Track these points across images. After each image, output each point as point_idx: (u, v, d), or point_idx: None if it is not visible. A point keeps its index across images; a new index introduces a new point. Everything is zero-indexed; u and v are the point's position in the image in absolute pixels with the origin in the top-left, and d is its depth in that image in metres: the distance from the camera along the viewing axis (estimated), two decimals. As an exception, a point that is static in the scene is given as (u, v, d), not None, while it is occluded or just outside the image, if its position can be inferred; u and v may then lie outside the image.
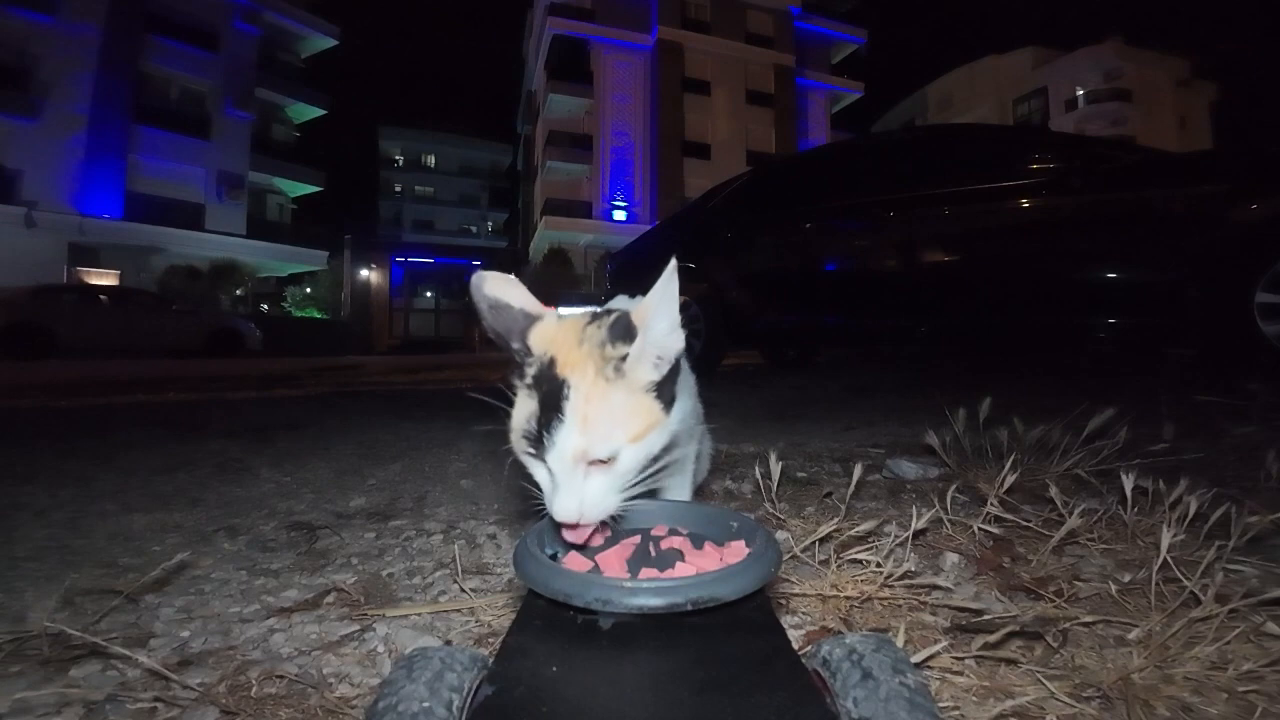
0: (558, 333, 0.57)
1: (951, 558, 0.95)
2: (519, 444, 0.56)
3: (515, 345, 0.58)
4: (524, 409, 0.55)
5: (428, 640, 0.78)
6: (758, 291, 3.98)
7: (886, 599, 0.81)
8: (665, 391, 0.56)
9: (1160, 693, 0.61)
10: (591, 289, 22.55)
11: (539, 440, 0.53)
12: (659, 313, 0.52)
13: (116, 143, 18.36)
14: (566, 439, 0.52)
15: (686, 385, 0.66)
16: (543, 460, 0.54)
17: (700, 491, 1.14)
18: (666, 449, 0.59)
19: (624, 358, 0.53)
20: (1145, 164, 2.95)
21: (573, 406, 0.52)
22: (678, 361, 0.57)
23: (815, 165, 4.49)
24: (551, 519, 0.55)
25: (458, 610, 0.85)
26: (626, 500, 0.55)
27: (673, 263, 0.51)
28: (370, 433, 2.36)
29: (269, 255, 21.96)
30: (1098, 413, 1.31)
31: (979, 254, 3.24)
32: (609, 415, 0.52)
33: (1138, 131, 27.34)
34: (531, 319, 0.58)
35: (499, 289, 0.58)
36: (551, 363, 0.54)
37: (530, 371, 0.56)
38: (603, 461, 0.52)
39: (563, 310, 0.61)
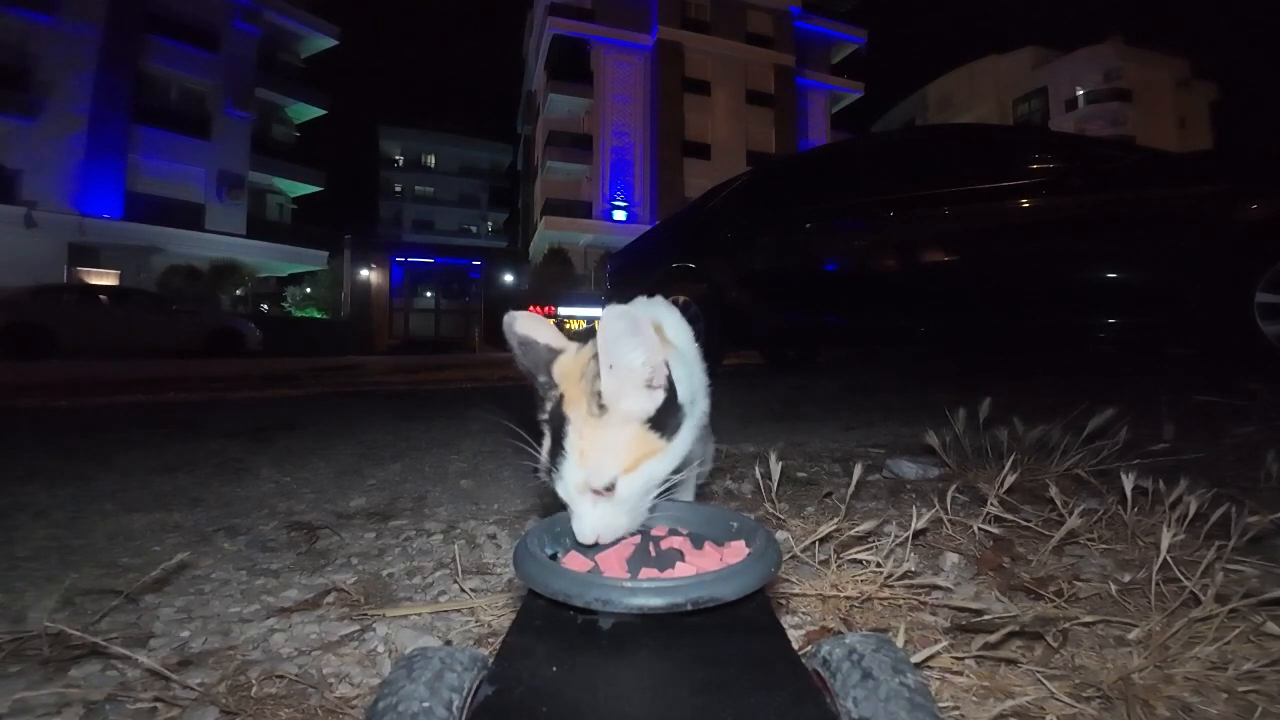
0: (570, 366, 0.59)
1: (951, 558, 0.95)
2: (544, 475, 0.59)
3: (541, 379, 0.61)
4: (546, 442, 0.59)
5: (428, 640, 0.78)
6: (758, 291, 3.98)
7: (886, 599, 0.81)
8: (665, 419, 0.57)
9: (1160, 693, 0.61)
10: (591, 289, 22.54)
11: (551, 472, 0.57)
12: (613, 351, 0.54)
13: (116, 143, 18.36)
14: (569, 472, 0.56)
15: (700, 387, 0.68)
16: (558, 492, 0.58)
17: (700, 491, 1.14)
18: (678, 468, 0.61)
19: (600, 394, 0.55)
20: (1145, 164, 2.95)
21: (571, 441, 0.56)
22: (673, 390, 0.58)
23: (815, 165, 4.49)
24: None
25: (458, 610, 0.85)
26: (642, 517, 0.58)
27: (614, 308, 0.53)
28: (370, 433, 2.36)
29: (269, 255, 21.96)
30: (1098, 413, 1.31)
31: (979, 254, 3.24)
32: (600, 449, 0.55)
33: (1138, 131, 27.38)
34: (555, 353, 0.61)
35: (527, 328, 0.62)
36: (561, 398, 0.58)
37: (548, 406, 0.59)
38: (607, 491, 0.55)
39: (565, 309, 0.62)
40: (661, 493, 0.60)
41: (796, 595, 0.84)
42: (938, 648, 0.65)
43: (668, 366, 0.57)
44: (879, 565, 0.84)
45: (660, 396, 0.57)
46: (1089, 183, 2.92)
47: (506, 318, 0.63)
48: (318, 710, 0.63)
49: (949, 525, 1.03)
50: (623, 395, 0.55)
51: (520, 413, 0.63)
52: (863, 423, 2.26)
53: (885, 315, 3.59)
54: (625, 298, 0.69)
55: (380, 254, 26.58)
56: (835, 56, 31.34)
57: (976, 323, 3.32)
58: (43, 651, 0.73)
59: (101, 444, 2.15)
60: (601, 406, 0.56)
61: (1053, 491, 0.98)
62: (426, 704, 0.39)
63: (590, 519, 0.56)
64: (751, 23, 27.84)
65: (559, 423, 0.57)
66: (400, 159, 40.71)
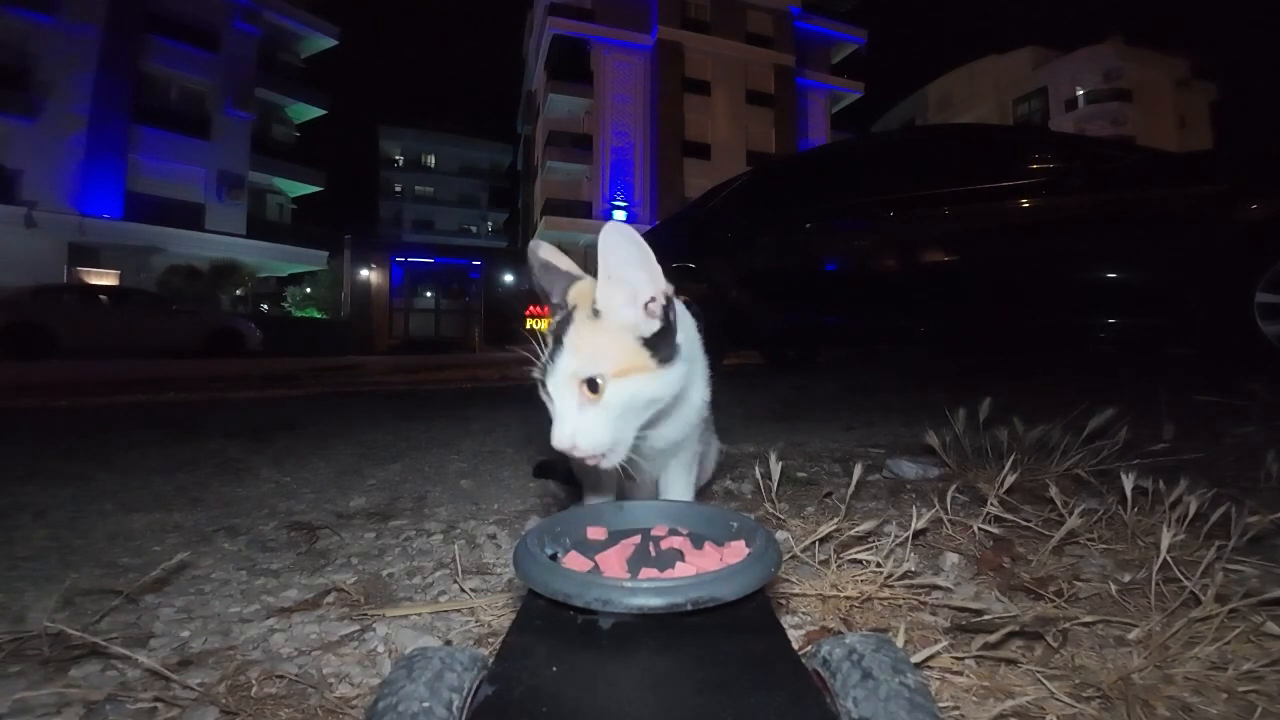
0: (584, 288, 0.66)
1: (951, 558, 0.95)
2: (539, 380, 0.63)
3: (555, 300, 0.67)
4: (548, 346, 0.64)
5: (428, 640, 0.78)
6: (758, 291, 3.98)
7: (886, 599, 0.81)
8: (658, 345, 0.62)
9: (1160, 693, 0.61)
10: (591, 289, 22.48)
11: (546, 370, 0.62)
12: (610, 260, 0.59)
13: (116, 143, 18.35)
14: (563, 361, 0.60)
15: (700, 371, 0.74)
16: (548, 390, 0.61)
17: (700, 492, 1.14)
18: (665, 407, 0.66)
19: (596, 299, 0.62)
20: (1145, 164, 2.95)
21: (569, 338, 0.61)
22: (670, 323, 0.63)
23: (815, 165, 4.49)
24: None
25: (458, 610, 0.85)
26: (622, 448, 0.62)
27: (608, 225, 0.59)
28: (370, 432, 2.36)
29: (269, 255, 21.94)
30: (1098, 413, 1.31)
31: (979, 254, 3.24)
32: (595, 346, 0.61)
33: (1138, 131, 27.34)
34: (573, 279, 0.69)
35: (551, 254, 0.71)
36: (571, 310, 0.64)
37: (557, 320, 0.65)
38: (593, 391, 0.59)
39: None
40: (643, 425, 0.64)
41: (796, 595, 0.84)
42: (938, 648, 0.65)
43: (668, 299, 0.62)
44: (879, 565, 0.84)
45: (655, 324, 0.62)
46: (1089, 183, 2.92)
47: (531, 244, 0.71)
48: (318, 710, 0.63)
49: (949, 525, 1.03)
50: (618, 305, 0.61)
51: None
52: (863, 423, 2.26)
53: (885, 315, 3.59)
54: None
55: (380, 254, 26.56)
56: (835, 56, 31.31)
57: (977, 323, 3.32)
58: (43, 651, 0.73)
59: (101, 444, 2.15)
60: (597, 311, 0.61)
61: (1053, 491, 0.98)
62: (426, 704, 0.39)
63: (571, 421, 0.59)
64: (751, 23, 27.82)
65: (563, 327, 0.62)
66: (400, 159, 40.69)
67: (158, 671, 0.66)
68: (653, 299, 0.61)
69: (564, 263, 0.69)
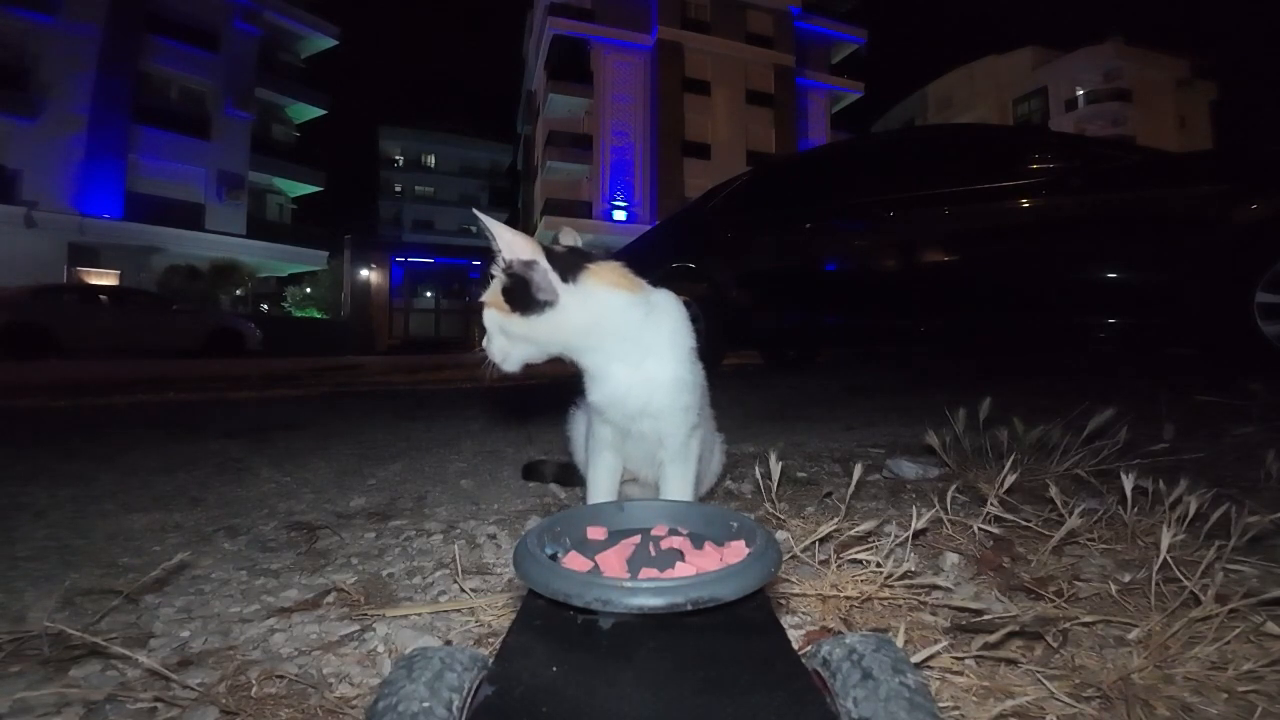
0: None
1: (951, 558, 0.95)
2: None
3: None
4: None
5: (428, 640, 0.78)
6: (758, 291, 3.98)
7: (886, 599, 0.81)
8: (511, 294, 0.79)
9: (1160, 693, 0.61)
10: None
11: None
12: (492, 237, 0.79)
13: (116, 143, 18.36)
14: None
15: (663, 352, 0.87)
16: None
17: (701, 492, 1.14)
18: (543, 344, 0.84)
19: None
20: (1145, 164, 2.95)
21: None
22: (524, 282, 0.78)
23: (815, 165, 4.49)
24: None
25: (458, 610, 0.85)
26: (509, 360, 0.85)
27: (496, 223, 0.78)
28: (370, 432, 2.36)
29: (269, 255, 21.96)
30: (1098, 413, 1.31)
31: (979, 254, 3.24)
32: (490, 285, 0.83)
33: (1138, 131, 27.36)
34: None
35: (487, 223, 0.83)
36: None
37: None
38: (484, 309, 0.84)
39: None
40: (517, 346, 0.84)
41: (796, 595, 0.84)
42: (938, 648, 0.65)
43: (523, 265, 0.78)
44: (879, 565, 0.84)
45: (504, 280, 0.79)
46: (1089, 183, 2.92)
47: (476, 213, 0.88)
48: (318, 710, 0.63)
49: (949, 525, 1.03)
50: (498, 264, 0.81)
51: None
52: (863, 423, 2.26)
53: (885, 315, 3.59)
54: None
55: (380, 254, 26.58)
56: (835, 56, 31.32)
57: (976, 323, 3.32)
58: (43, 651, 0.73)
59: (102, 444, 2.15)
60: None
61: (1053, 491, 0.98)
62: (426, 704, 0.39)
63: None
64: (751, 23, 27.83)
65: None
66: (400, 159, 40.66)
67: (158, 671, 0.66)
68: (508, 264, 0.79)
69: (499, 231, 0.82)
